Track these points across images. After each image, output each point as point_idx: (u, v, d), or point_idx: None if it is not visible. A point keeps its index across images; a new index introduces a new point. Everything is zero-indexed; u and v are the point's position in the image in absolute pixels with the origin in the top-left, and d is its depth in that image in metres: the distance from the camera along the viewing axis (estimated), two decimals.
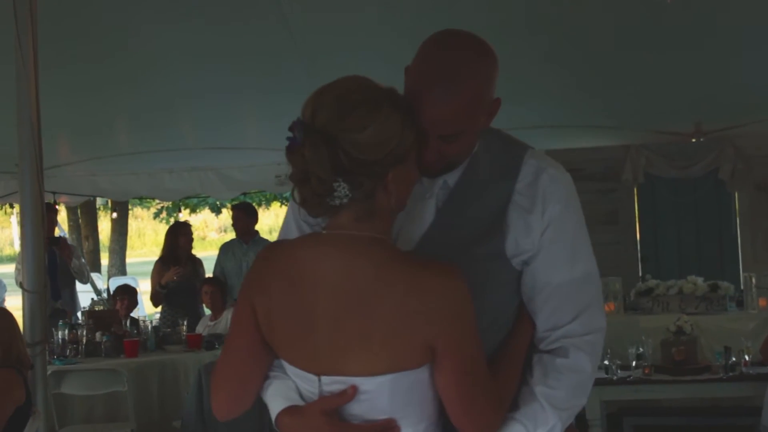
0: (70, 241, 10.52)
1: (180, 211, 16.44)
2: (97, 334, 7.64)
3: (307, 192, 2.02)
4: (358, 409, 2.04)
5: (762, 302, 7.86)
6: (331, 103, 1.99)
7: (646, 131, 9.21)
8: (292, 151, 2.01)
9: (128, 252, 21.49)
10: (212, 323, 8.34)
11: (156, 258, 9.54)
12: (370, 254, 2.02)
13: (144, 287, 11.05)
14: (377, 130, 1.98)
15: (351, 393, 2.01)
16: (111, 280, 17.84)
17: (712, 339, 7.29)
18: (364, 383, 2.01)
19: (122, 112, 8.55)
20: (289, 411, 2.09)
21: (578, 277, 2.22)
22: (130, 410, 6.94)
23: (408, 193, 2.11)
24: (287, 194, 22.05)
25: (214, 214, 33.03)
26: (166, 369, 7.36)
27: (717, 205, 10.34)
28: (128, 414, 6.96)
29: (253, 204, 12.49)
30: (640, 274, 9.64)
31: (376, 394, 2.01)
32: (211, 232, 37.65)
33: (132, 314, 8.80)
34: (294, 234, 2.29)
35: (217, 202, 23.25)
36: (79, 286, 9.57)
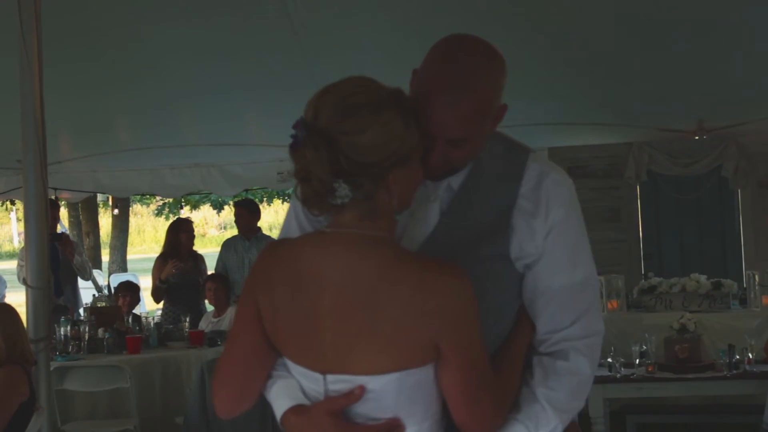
0: (71, 238, 10.51)
1: (181, 207, 16.43)
2: (100, 331, 7.64)
3: (309, 191, 2.02)
4: (364, 408, 2.04)
5: (765, 300, 7.83)
6: (333, 105, 1.99)
7: (648, 128, 9.20)
8: (294, 149, 2.01)
9: (128, 249, 21.47)
10: (215, 320, 8.33)
11: (156, 255, 9.54)
12: (375, 253, 2.02)
13: (145, 284, 11.04)
14: (378, 132, 1.98)
15: (358, 393, 2.01)
16: (112, 276, 17.84)
17: (716, 337, 7.27)
18: (370, 382, 2.00)
19: (124, 109, 8.55)
20: (296, 410, 2.09)
21: (578, 281, 2.24)
22: (132, 407, 6.93)
23: (412, 194, 2.11)
24: (289, 191, 22.06)
25: (214, 211, 33.04)
26: (168, 365, 7.35)
27: (720, 202, 10.34)
28: (131, 410, 6.96)
29: (255, 200, 12.47)
30: (643, 271, 9.63)
31: (382, 392, 2.01)
32: (211, 229, 37.63)
33: (134, 311, 8.81)
34: (295, 232, 2.29)
35: (219, 199, 23.25)
36: (80, 282, 9.57)
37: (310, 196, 2.03)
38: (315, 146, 1.97)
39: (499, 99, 2.19)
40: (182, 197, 19.30)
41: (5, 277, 15.39)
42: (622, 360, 6.62)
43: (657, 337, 6.82)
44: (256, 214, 9.47)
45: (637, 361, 6.65)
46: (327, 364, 2.03)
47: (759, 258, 9.56)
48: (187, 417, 6.58)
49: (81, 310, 8.96)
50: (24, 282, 5.45)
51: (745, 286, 8.41)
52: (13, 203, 19.02)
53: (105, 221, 25.16)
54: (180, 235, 9.16)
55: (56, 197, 10.24)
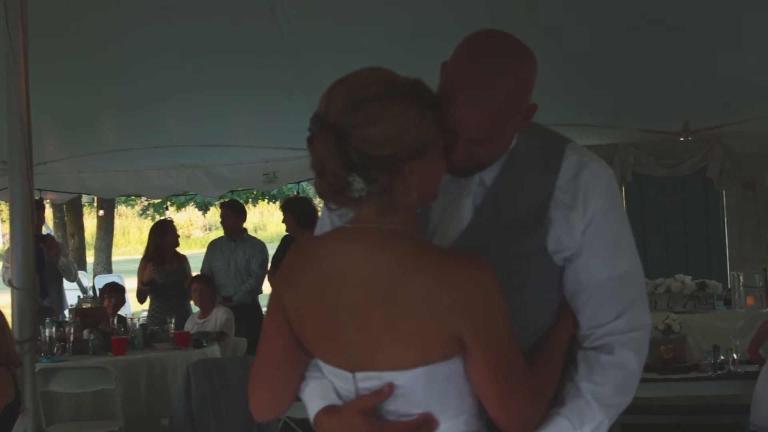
0: (56, 239, 10.48)
1: (167, 208, 16.41)
2: (85, 332, 7.61)
3: (324, 184, 1.99)
4: (394, 405, 2.01)
5: (750, 301, 7.88)
6: (344, 97, 1.96)
7: (634, 130, 9.21)
8: (310, 143, 1.98)
9: (113, 250, 21.40)
10: (201, 321, 8.31)
11: (141, 256, 9.51)
12: (393, 246, 1.98)
13: (130, 285, 11.01)
14: (389, 124, 1.93)
15: (388, 391, 1.98)
16: (97, 278, 17.78)
17: (700, 337, 7.31)
18: (397, 378, 1.97)
19: (109, 109, 8.53)
20: (327, 411, 2.07)
21: (621, 274, 2.18)
22: (117, 408, 6.91)
23: (434, 187, 2.06)
24: (274, 192, 22.08)
25: (200, 213, 32.98)
26: (154, 367, 7.33)
27: (705, 203, 10.37)
28: (116, 412, 6.93)
29: (241, 202, 12.47)
30: None
31: (411, 388, 1.98)
32: (196, 230, 37.55)
33: (119, 312, 8.78)
34: (328, 229, 2.24)
35: (205, 200, 23.22)
36: (65, 283, 9.53)
37: (325, 189, 2.00)
38: (325, 140, 1.94)
39: (528, 99, 2.15)
40: (167, 198, 19.24)
41: None
42: None
43: None
44: (242, 216, 9.47)
45: None
46: (355, 361, 2.00)
47: (743, 259, 9.59)
48: (173, 418, 6.56)
49: (66, 312, 8.93)
50: (9, 283, 5.42)
51: (729, 287, 8.45)
52: None
53: (90, 222, 25.11)
54: (165, 236, 9.13)
55: (41, 198, 10.21)
